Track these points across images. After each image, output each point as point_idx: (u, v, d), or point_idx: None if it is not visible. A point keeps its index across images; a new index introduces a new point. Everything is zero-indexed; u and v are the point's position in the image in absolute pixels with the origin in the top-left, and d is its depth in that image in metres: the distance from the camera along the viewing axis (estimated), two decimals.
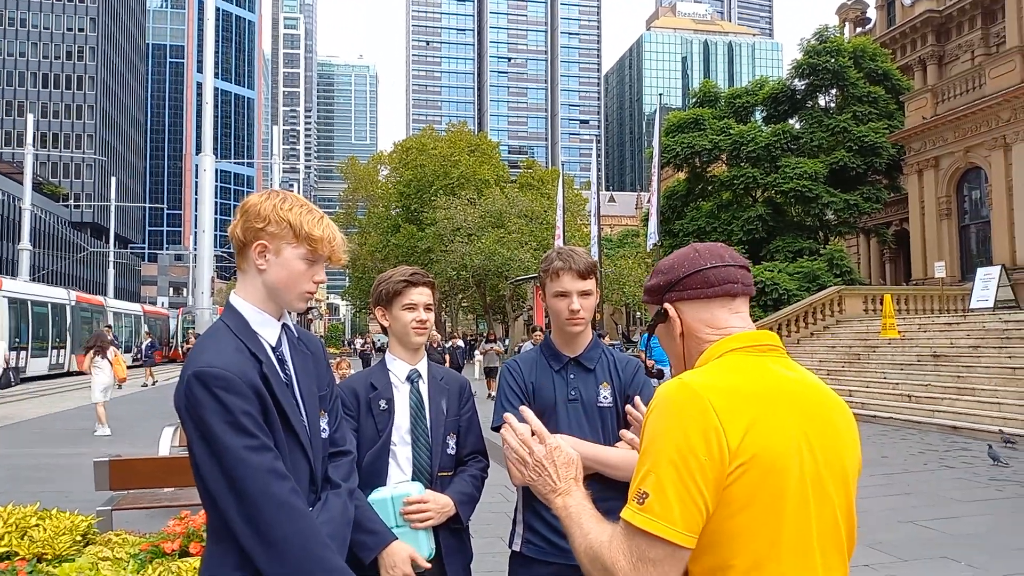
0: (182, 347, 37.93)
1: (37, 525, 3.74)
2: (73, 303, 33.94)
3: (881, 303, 19.98)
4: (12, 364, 24.38)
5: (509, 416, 1.56)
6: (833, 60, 29.18)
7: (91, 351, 13.84)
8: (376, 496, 2.21)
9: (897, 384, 15.39)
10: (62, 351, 31.76)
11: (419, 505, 2.19)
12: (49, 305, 31.16)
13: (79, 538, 3.71)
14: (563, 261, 2.32)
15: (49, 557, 3.52)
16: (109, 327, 24.09)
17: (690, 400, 1.22)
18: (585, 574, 1.29)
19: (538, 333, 19.60)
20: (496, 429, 2.35)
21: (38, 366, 28.73)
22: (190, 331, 26.30)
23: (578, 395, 2.33)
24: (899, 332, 18.30)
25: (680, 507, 1.17)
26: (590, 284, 2.33)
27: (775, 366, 1.33)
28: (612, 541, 1.23)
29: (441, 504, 2.23)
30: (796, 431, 1.25)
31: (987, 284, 20.13)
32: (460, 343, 28.11)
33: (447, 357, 18.43)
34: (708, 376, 1.28)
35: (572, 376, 2.36)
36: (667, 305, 1.43)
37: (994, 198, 22.83)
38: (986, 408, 12.81)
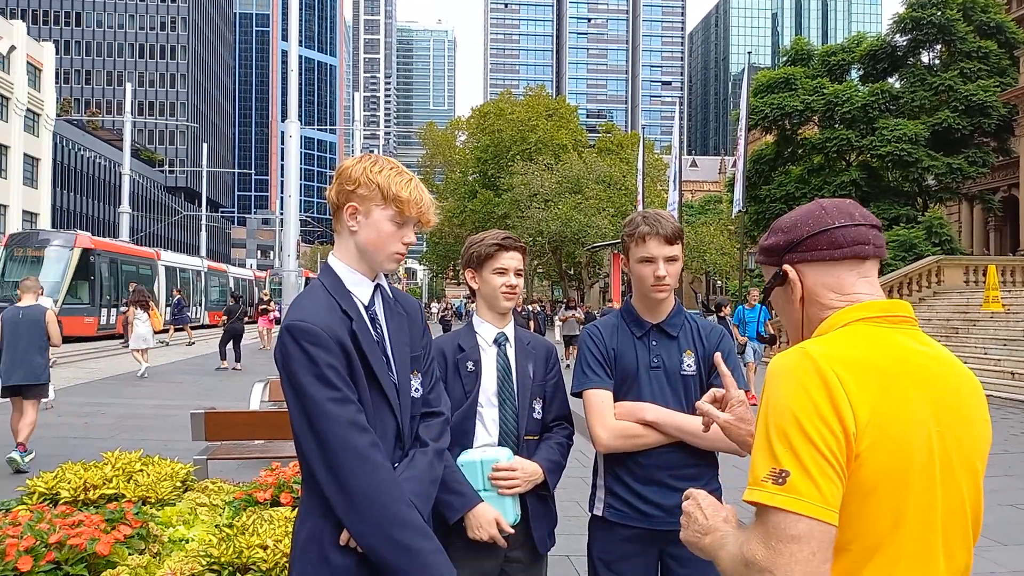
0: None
1: (141, 470, 3.96)
2: (206, 270, 41.28)
3: (984, 274, 18.95)
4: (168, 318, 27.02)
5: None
6: (939, 13, 27.53)
7: (133, 304, 14.70)
8: (465, 458, 2.24)
9: (999, 360, 14.62)
10: (199, 308, 38.53)
11: (508, 472, 2.21)
12: (191, 271, 38.71)
13: (179, 484, 3.90)
14: (649, 225, 2.26)
15: (152, 500, 3.71)
16: (267, 292, 27.61)
17: (816, 372, 1.14)
18: None
19: (579, 313, 19.30)
20: (576, 395, 2.35)
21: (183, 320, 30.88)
22: (263, 292, 27.59)
23: (661, 362, 2.30)
24: (1003, 305, 17.32)
25: (825, 483, 1.09)
26: (676, 249, 2.28)
27: (907, 340, 1.23)
28: (748, 539, 1.14)
29: (530, 472, 2.25)
30: (925, 410, 1.17)
31: None
32: (538, 308, 27.70)
33: (531, 322, 17.72)
34: (832, 346, 1.18)
35: (655, 343, 2.32)
36: (787, 267, 1.32)
37: None
38: None
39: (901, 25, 28.72)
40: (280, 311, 22.91)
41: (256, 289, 47.25)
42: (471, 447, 2.29)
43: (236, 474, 5.48)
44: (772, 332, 13.20)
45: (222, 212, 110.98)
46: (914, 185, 27.72)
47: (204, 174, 51.85)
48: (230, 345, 16.83)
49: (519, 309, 16.79)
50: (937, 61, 29.14)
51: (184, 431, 5.59)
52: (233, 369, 16.37)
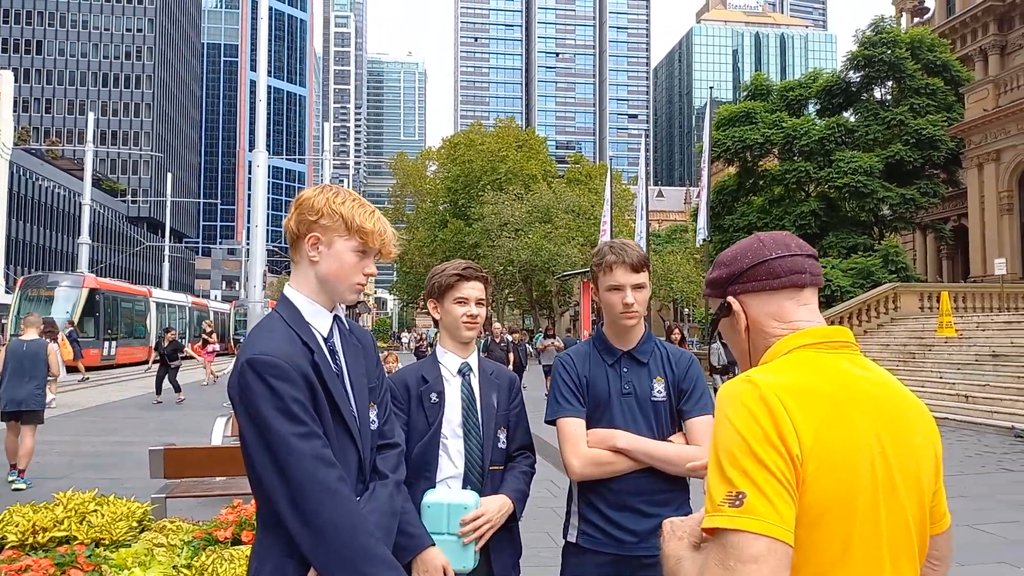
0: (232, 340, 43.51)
1: (95, 511, 3.86)
2: (189, 305, 44.42)
3: (938, 301, 19.41)
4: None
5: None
6: (889, 51, 28.45)
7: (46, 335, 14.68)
8: (432, 500, 2.22)
9: (954, 384, 14.94)
10: (183, 340, 38.52)
11: (474, 523, 2.19)
12: (177, 306, 41.83)
13: (135, 524, 3.82)
14: (616, 254, 2.31)
15: (107, 542, 3.62)
16: (210, 322, 27.59)
17: (761, 398, 1.16)
18: None
19: (558, 342, 19.07)
20: (550, 422, 2.37)
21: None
22: (206, 323, 26.64)
23: (632, 389, 2.32)
24: (956, 330, 17.76)
25: (781, 503, 1.09)
26: (643, 277, 2.32)
27: (848, 364, 1.26)
28: (707, 562, 1.12)
29: (496, 509, 2.24)
30: (868, 434, 1.19)
31: None
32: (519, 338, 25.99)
33: (511, 353, 16.19)
34: (775, 374, 1.21)
35: (626, 370, 2.35)
36: (731, 298, 1.36)
37: None
38: None
39: (854, 62, 29.64)
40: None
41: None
42: (434, 478, 2.28)
43: (196, 512, 5.39)
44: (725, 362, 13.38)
45: (186, 242, 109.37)
46: (870, 215, 28.40)
47: (168, 204, 51.22)
48: (167, 378, 16.62)
49: (497, 340, 16.12)
50: (889, 97, 30.06)
51: (142, 468, 5.51)
52: (178, 402, 16.19)
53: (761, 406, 1.15)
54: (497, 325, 16.45)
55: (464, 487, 2.28)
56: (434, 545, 2.08)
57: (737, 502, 1.10)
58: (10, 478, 7.61)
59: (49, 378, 8.34)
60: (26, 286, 30.01)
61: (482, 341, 20.96)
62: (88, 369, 26.38)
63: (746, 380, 1.21)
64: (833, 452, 1.15)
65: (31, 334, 8.06)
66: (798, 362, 1.24)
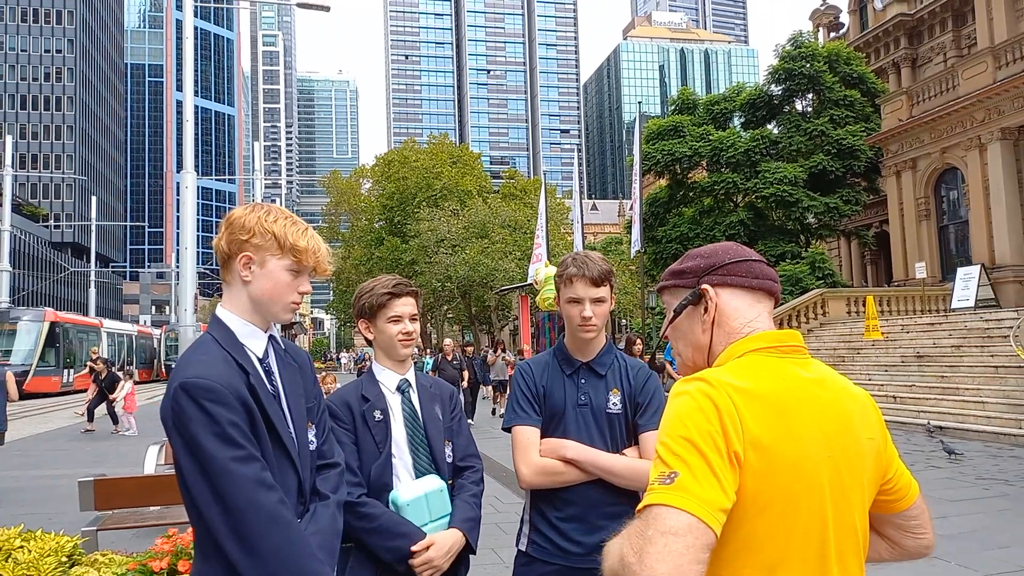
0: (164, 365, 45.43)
1: (22, 547, 3.69)
2: (136, 333, 46.64)
3: (863, 305, 20.14)
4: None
5: None
6: (808, 65, 29.51)
7: None
8: (408, 496, 2.22)
9: (882, 385, 15.50)
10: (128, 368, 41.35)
11: (424, 566, 2.16)
12: (125, 335, 44.02)
13: (64, 559, 3.66)
14: (577, 267, 2.32)
15: None
16: (96, 349, 26.93)
17: (710, 396, 1.19)
18: None
19: (509, 356, 18.69)
20: (507, 429, 2.38)
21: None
22: (92, 350, 25.30)
23: (588, 400, 2.33)
24: (882, 333, 18.46)
25: (711, 488, 1.11)
26: (604, 291, 2.33)
27: (798, 369, 1.30)
28: (629, 531, 1.13)
29: (448, 546, 2.21)
30: (816, 436, 1.23)
31: (967, 284, 20.36)
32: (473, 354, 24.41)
33: (465, 371, 14.93)
34: (728, 375, 1.24)
35: (583, 381, 2.35)
36: (706, 286, 1.37)
37: (971, 198, 23.14)
38: (970, 407, 12.94)
39: (775, 76, 30.60)
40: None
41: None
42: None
43: (130, 544, 5.20)
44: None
45: (113, 267, 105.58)
46: (796, 223, 29.31)
47: (93, 228, 49.37)
48: (105, 408, 16.11)
49: (449, 358, 14.54)
50: (810, 109, 31.11)
51: (71, 501, 5.28)
52: (113, 432, 15.65)
53: (709, 404, 1.18)
54: (448, 342, 15.09)
55: None
56: (426, 535, 2.17)
57: (668, 480, 1.12)
58: None
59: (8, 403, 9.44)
60: None
61: (428, 360, 20.42)
62: (47, 396, 29.05)
63: (700, 378, 1.23)
64: (781, 452, 1.18)
65: None
66: (750, 365, 1.27)
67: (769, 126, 31.63)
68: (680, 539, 1.06)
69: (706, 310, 1.36)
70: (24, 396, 18.08)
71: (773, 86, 31.19)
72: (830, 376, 1.34)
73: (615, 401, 2.33)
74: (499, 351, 19.73)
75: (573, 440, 2.27)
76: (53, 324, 32.96)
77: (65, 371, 33.75)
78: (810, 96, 30.88)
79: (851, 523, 1.26)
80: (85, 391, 32.29)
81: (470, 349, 17.40)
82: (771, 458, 1.17)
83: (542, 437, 2.31)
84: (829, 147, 28.62)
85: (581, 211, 25.28)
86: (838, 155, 28.60)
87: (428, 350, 35.94)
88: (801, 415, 1.23)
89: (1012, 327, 14.35)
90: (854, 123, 28.91)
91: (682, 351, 1.44)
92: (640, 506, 1.14)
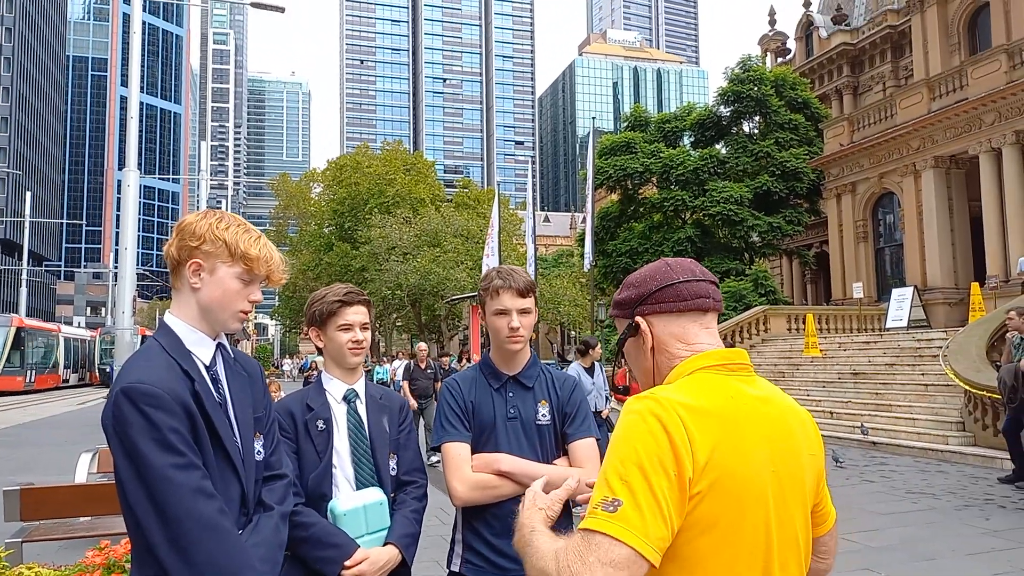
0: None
1: None
2: (90, 338, 48.26)
3: (804, 322, 20.67)
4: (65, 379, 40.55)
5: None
6: (756, 88, 30.33)
7: None
8: (347, 507, 2.19)
9: (820, 401, 15.89)
10: (84, 369, 46.59)
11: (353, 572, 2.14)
12: (79, 340, 45.95)
13: None
14: (503, 279, 2.33)
15: None
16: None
17: (661, 415, 1.21)
18: None
19: (446, 358, 17.76)
20: (435, 449, 2.36)
21: (74, 379, 43.94)
22: None
23: (517, 413, 2.33)
24: (821, 351, 18.95)
25: (653, 521, 1.14)
26: (529, 302, 2.35)
27: (744, 386, 1.34)
28: (567, 548, 1.15)
29: (383, 562, 2.18)
30: (762, 451, 1.26)
31: (901, 304, 21.12)
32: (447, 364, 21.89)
33: (438, 383, 13.10)
34: (678, 393, 1.27)
35: (511, 394, 2.36)
36: (639, 318, 1.41)
37: (906, 222, 24.04)
38: (902, 424, 13.37)
39: (724, 98, 31.38)
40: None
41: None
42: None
43: (58, 557, 5.00)
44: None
45: (47, 266, 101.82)
46: (741, 241, 29.99)
47: (27, 224, 47.56)
48: None
49: (423, 366, 12.94)
50: (756, 131, 31.95)
51: None
52: None
53: (659, 427, 1.20)
54: (422, 346, 13.66)
55: None
56: (360, 547, 2.13)
57: (611, 507, 1.14)
58: None
59: None
60: None
61: (380, 369, 19.38)
62: (11, 394, 31.51)
63: (650, 396, 1.26)
64: (728, 468, 1.21)
65: None
66: (699, 383, 1.31)
67: (717, 146, 32.38)
68: (620, 571, 1.10)
69: (644, 340, 1.41)
70: None
71: (722, 107, 31.95)
72: (775, 393, 1.38)
73: (544, 412, 2.34)
74: (463, 360, 19.14)
75: (505, 453, 2.27)
76: (19, 329, 36.16)
77: (28, 371, 36.81)
78: (757, 119, 31.72)
79: (794, 538, 1.29)
80: (45, 390, 36.93)
81: (446, 360, 16.05)
82: (719, 477, 1.19)
83: (473, 453, 2.30)
84: (774, 168, 29.43)
85: (534, 222, 25.43)
86: (782, 176, 29.42)
87: (379, 359, 35.56)
88: (748, 431, 1.26)
89: (941, 347, 14.91)
90: (798, 146, 29.81)
91: (636, 375, 1.49)
92: (582, 526, 1.16)
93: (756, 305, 24.25)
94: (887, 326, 21.25)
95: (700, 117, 32.55)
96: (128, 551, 3.53)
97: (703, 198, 28.98)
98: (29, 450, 13.25)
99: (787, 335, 22.17)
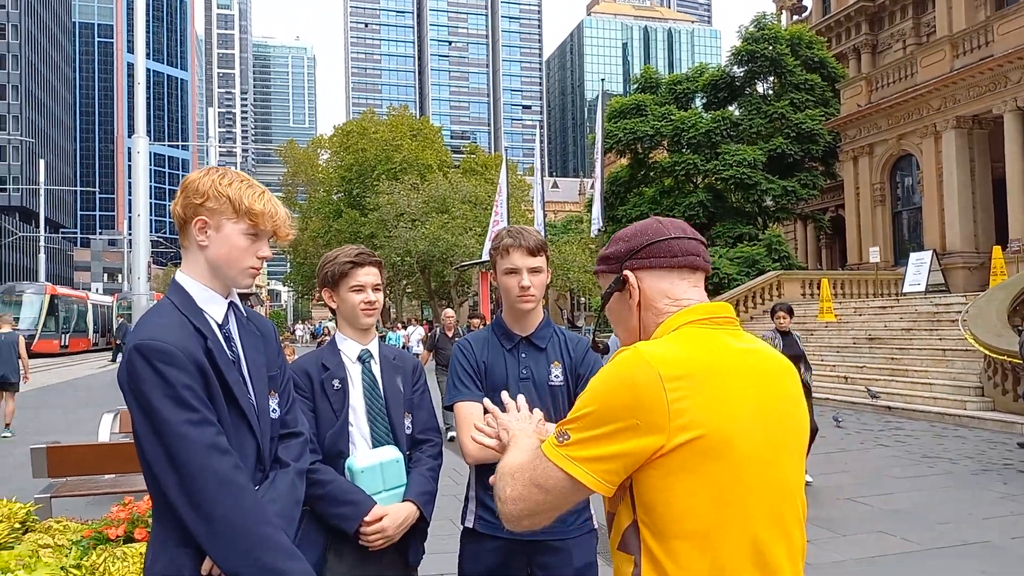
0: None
1: None
2: (112, 304, 49.78)
3: (818, 287, 20.58)
4: (95, 343, 44.56)
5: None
6: (770, 47, 29.72)
7: None
8: (364, 464, 2.23)
9: (834, 366, 15.89)
10: (109, 334, 47.37)
11: (378, 535, 2.18)
12: (105, 306, 48.30)
13: (17, 525, 3.58)
14: (512, 238, 2.33)
15: None
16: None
17: (638, 367, 1.22)
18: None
19: (476, 320, 17.61)
20: (448, 408, 2.38)
21: (102, 343, 45.97)
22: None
23: (530, 374, 2.35)
24: (836, 316, 18.89)
25: (594, 453, 1.23)
26: (540, 261, 2.34)
27: (730, 338, 1.33)
28: (521, 463, 1.32)
29: (402, 519, 2.23)
30: (751, 402, 1.26)
31: (919, 269, 20.94)
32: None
33: None
34: (662, 347, 1.27)
35: (524, 355, 2.37)
36: (627, 272, 1.40)
37: (925, 185, 23.71)
38: (918, 389, 13.35)
39: (738, 58, 30.74)
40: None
41: None
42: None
43: (84, 512, 5.09)
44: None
45: (63, 233, 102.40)
46: (755, 206, 29.67)
47: (42, 192, 47.84)
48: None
49: (449, 333, 11.77)
50: (771, 91, 31.38)
51: (23, 468, 5.14)
52: None
53: (637, 373, 1.22)
54: (449, 312, 12.46)
55: None
56: (377, 504, 2.19)
57: (562, 438, 1.26)
58: (5, 433, 10.89)
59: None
60: (2, 293, 38.76)
61: (393, 335, 19.07)
62: (49, 356, 34.64)
63: (633, 350, 1.27)
64: (717, 418, 1.21)
65: (5, 328, 11.16)
66: (685, 337, 1.31)
67: (730, 108, 31.84)
68: (542, 493, 1.27)
69: (631, 295, 1.40)
70: (32, 355, 19.07)
71: (735, 67, 31.36)
72: (763, 345, 1.38)
73: (557, 373, 2.36)
74: (479, 323, 18.43)
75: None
76: (53, 296, 38.78)
77: (62, 335, 39.82)
78: (771, 79, 31.15)
79: (787, 488, 1.29)
80: (76, 353, 40.40)
81: (476, 322, 14.44)
82: (708, 425, 1.20)
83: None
84: (789, 130, 28.98)
85: (543, 188, 25.29)
86: (797, 139, 28.98)
87: (392, 325, 35.74)
88: (734, 384, 1.26)
89: (960, 312, 14.81)
90: (814, 107, 29.29)
91: (619, 333, 1.48)
92: (538, 447, 1.32)
93: (770, 270, 24.10)
94: (904, 291, 21.09)
95: (712, 78, 32.00)
96: (151, 507, 3.57)
97: (715, 161, 28.63)
98: (51, 413, 13.43)
99: (801, 300, 22.06)
